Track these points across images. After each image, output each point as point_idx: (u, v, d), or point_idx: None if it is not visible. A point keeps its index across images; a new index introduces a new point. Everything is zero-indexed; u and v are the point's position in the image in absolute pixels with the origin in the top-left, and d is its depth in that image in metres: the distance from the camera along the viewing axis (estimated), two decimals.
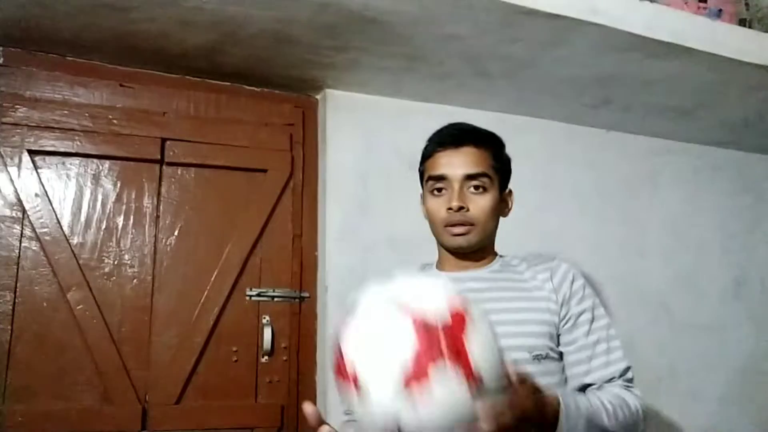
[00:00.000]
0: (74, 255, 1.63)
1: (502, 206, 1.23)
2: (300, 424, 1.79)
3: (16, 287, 1.57)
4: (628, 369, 1.15)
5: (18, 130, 1.63)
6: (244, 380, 1.75)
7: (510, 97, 2.07)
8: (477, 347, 0.74)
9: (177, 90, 1.82)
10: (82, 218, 1.67)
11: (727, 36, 1.80)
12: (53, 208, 1.63)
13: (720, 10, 1.92)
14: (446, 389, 0.71)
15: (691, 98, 2.09)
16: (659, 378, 2.28)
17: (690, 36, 1.72)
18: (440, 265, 1.27)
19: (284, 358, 1.80)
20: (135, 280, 1.69)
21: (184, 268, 1.74)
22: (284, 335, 1.81)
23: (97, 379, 1.60)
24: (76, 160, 1.69)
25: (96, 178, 1.70)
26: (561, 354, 1.15)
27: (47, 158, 1.66)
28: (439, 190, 1.18)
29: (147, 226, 1.72)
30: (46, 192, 1.63)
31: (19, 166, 1.62)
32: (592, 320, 1.15)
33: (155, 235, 1.73)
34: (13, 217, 1.60)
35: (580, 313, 1.15)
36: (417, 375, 0.71)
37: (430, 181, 1.20)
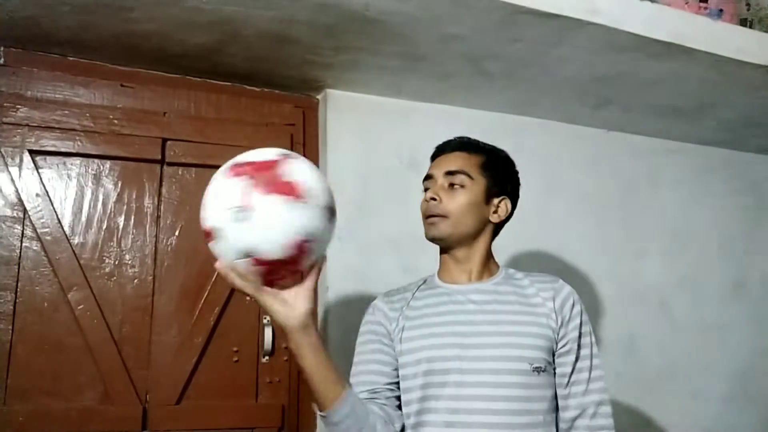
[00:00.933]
0: (75, 255, 1.63)
1: (487, 209, 1.28)
2: (300, 424, 1.79)
3: (16, 287, 1.57)
4: (604, 401, 1.19)
5: (19, 130, 1.63)
6: (244, 380, 1.75)
7: (510, 97, 2.07)
8: (299, 176, 0.99)
9: (177, 90, 1.82)
10: (83, 218, 1.67)
11: (728, 36, 1.80)
12: (54, 208, 1.64)
13: (721, 10, 1.92)
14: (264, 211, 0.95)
15: (691, 98, 2.09)
16: (659, 378, 2.28)
17: (690, 36, 1.72)
18: (442, 276, 1.32)
19: (285, 358, 1.80)
20: (136, 280, 1.69)
21: (185, 268, 1.74)
22: (285, 335, 1.80)
23: (98, 379, 1.60)
24: (77, 160, 1.69)
25: (97, 178, 1.70)
26: (554, 370, 1.21)
27: (48, 158, 1.66)
28: (426, 189, 1.30)
29: (148, 226, 1.73)
30: (47, 192, 1.64)
31: (20, 166, 1.62)
32: (580, 348, 1.21)
33: (156, 235, 1.73)
34: (14, 217, 1.60)
35: (574, 339, 1.21)
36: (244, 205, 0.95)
37: (423, 182, 1.32)
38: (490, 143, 1.35)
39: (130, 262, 1.69)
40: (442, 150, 1.33)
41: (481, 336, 1.18)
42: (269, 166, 0.99)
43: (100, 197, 1.70)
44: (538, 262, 2.12)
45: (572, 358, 1.20)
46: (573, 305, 1.23)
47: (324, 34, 1.62)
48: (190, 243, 1.75)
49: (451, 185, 1.26)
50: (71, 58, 1.71)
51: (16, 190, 1.61)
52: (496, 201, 1.29)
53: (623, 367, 2.21)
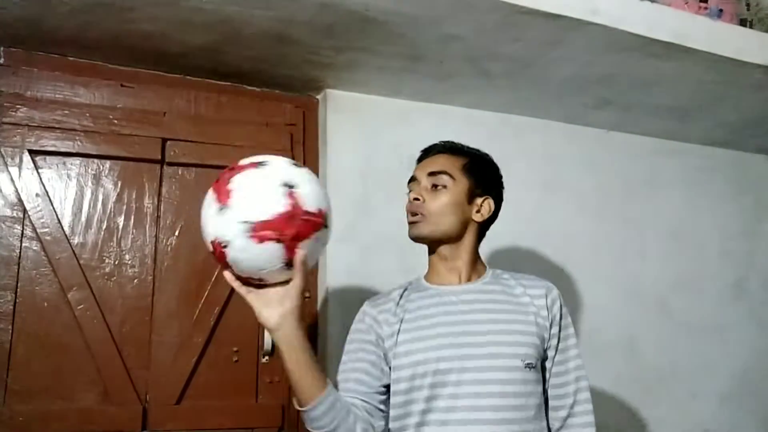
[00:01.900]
0: (75, 255, 1.63)
1: (469, 209, 1.31)
2: (300, 424, 1.79)
3: (16, 287, 1.57)
4: (585, 390, 1.29)
5: (19, 130, 1.63)
6: (244, 380, 1.75)
7: (510, 97, 2.07)
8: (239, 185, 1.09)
9: (177, 90, 1.82)
10: (83, 218, 1.67)
11: (728, 36, 1.80)
12: (54, 208, 1.64)
13: (721, 10, 1.92)
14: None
15: (691, 98, 2.09)
16: (659, 378, 2.28)
17: (690, 36, 1.72)
18: (430, 278, 1.35)
19: None
20: (136, 280, 1.69)
21: (185, 268, 1.74)
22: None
23: (98, 379, 1.60)
24: (77, 160, 1.69)
25: (97, 178, 1.70)
26: (543, 365, 1.28)
27: (48, 158, 1.66)
28: (411, 191, 1.34)
29: (148, 226, 1.73)
30: (46, 192, 1.64)
31: (19, 166, 1.62)
32: (568, 347, 1.30)
33: (156, 235, 1.73)
34: (13, 217, 1.60)
35: (564, 337, 1.29)
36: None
37: (408, 185, 1.36)
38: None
39: (130, 262, 1.69)
40: (426, 153, 1.37)
41: (476, 335, 1.21)
42: (240, 169, 1.11)
43: (100, 197, 1.70)
44: (538, 262, 2.11)
45: (562, 356, 1.28)
46: (561, 306, 1.30)
47: (324, 34, 1.62)
48: (190, 243, 1.75)
49: (434, 186, 1.29)
50: (71, 58, 1.71)
51: (16, 190, 1.61)
52: (479, 201, 1.31)
53: (623, 367, 2.21)
